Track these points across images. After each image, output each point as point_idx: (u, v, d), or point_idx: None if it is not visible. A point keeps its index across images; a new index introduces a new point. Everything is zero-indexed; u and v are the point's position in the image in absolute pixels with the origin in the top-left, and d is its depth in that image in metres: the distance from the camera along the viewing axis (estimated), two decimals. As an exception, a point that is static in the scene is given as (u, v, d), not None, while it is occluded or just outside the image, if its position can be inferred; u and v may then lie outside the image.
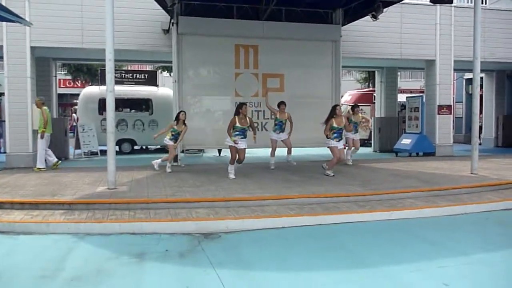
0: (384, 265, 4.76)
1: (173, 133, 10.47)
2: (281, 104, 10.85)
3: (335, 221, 6.48)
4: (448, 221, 6.75)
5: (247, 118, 9.47)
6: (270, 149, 11.17)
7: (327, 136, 9.70)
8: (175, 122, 10.47)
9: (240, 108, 9.31)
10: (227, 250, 5.29)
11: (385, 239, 5.78)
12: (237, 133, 9.28)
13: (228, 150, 9.66)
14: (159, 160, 10.79)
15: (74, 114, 20.69)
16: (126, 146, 16.60)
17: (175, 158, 11.43)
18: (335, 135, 9.63)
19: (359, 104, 12.28)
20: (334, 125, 9.56)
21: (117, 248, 5.33)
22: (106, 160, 8.16)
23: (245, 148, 9.45)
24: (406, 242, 5.65)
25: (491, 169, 10.73)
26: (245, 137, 9.41)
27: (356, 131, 11.74)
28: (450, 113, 14.96)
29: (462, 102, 22.81)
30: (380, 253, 5.17)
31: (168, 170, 10.52)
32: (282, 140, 10.97)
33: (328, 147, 9.91)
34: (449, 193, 8.11)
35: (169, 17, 11.85)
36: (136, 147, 17.19)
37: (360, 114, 11.90)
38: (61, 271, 4.55)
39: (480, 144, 14.56)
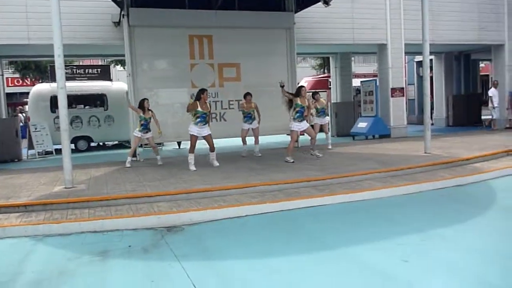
0: (346, 246, 4.91)
1: (142, 122, 10.31)
2: (247, 95, 10.97)
3: (296, 206, 6.59)
4: (405, 200, 7.02)
5: (207, 104, 9.49)
6: (241, 139, 11.32)
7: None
8: (141, 110, 10.29)
9: (202, 93, 9.32)
10: (191, 242, 5.29)
11: (346, 221, 5.95)
12: (198, 119, 9.24)
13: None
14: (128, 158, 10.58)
15: (20, 114, 19.89)
16: (82, 144, 16.14)
17: (134, 153, 11.23)
18: (298, 114, 9.75)
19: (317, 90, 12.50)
20: (298, 102, 9.70)
21: (78, 248, 5.21)
22: (61, 159, 7.91)
23: (210, 134, 9.43)
24: (366, 223, 5.84)
25: (443, 148, 11.19)
26: (206, 123, 9.38)
27: (325, 116, 11.98)
28: (403, 96, 15.45)
29: (414, 84, 23.55)
30: (341, 235, 5.33)
31: (128, 165, 10.33)
32: (252, 129, 11.16)
33: (290, 132, 10.10)
34: (404, 173, 8.41)
35: (119, 9, 11.56)
36: (92, 144, 16.74)
37: (322, 99, 12.08)
38: (20, 275, 4.42)
39: (432, 124, 15.13)
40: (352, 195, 6.99)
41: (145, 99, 10.48)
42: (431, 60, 20.20)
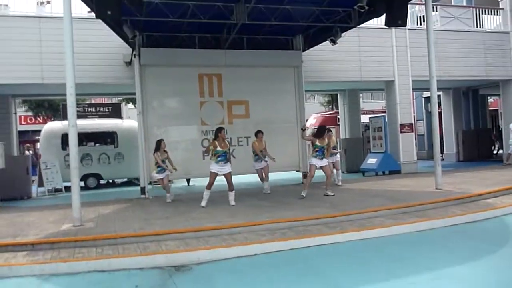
0: (358, 286, 4.78)
1: (157, 164, 10.40)
2: (259, 132, 11.01)
3: (306, 244, 6.48)
4: (417, 237, 6.87)
5: (226, 142, 9.58)
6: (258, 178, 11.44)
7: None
8: (157, 153, 10.35)
9: (219, 132, 9.41)
10: (199, 283, 5.19)
11: (357, 260, 5.82)
12: (219, 158, 9.28)
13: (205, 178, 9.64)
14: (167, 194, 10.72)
15: (27, 152, 20.08)
16: (91, 181, 16.17)
17: (143, 190, 11.26)
18: (318, 153, 9.91)
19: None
20: (317, 143, 9.87)
21: (84, 288, 5.14)
22: (71, 197, 7.92)
23: (230, 172, 9.43)
24: (377, 261, 5.70)
25: (454, 184, 11.04)
26: (227, 161, 9.41)
27: (336, 154, 12.09)
28: (412, 131, 15.42)
29: (423, 119, 23.55)
30: (352, 275, 5.20)
31: (168, 200, 10.60)
32: (261, 168, 11.20)
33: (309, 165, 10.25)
34: (416, 209, 8.28)
35: (130, 49, 11.85)
36: (102, 182, 16.78)
37: (333, 138, 12.16)
38: (24, 316, 4.35)
39: (442, 159, 15.01)
40: (363, 232, 6.87)
41: (161, 140, 10.56)
42: (439, 95, 20.29)
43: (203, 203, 9.32)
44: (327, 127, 10.47)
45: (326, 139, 10.22)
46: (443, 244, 6.51)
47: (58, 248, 6.48)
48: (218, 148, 9.29)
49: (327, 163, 10.23)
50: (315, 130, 11.35)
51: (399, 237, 6.84)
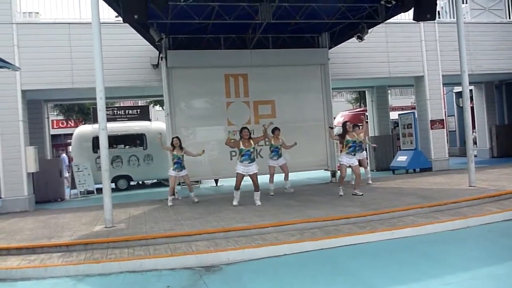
0: (390, 286, 4.67)
1: (174, 160, 10.41)
2: (276, 130, 10.96)
3: (336, 244, 6.40)
4: (450, 236, 6.68)
5: (251, 141, 9.56)
6: (268, 176, 11.13)
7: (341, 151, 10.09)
8: (172, 147, 10.45)
9: (241, 132, 9.54)
10: (230, 283, 5.19)
11: (389, 260, 5.70)
12: (243, 157, 9.34)
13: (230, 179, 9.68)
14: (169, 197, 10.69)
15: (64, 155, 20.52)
16: (122, 183, 16.49)
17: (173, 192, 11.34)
18: (350, 149, 9.82)
19: (364, 121, 12.14)
20: (349, 138, 9.80)
21: (117, 288, 5.22)
22: (102, 199, 8.08)
23: (256, 173, 9.45)
24: (410, 261, 5.57)
25: (489, 180, 10.71)
26: (252, 161, 9.43)
27: (362, 150, 11.76)
28: (443, 127, 15.04)
29: (454, 115, 22.99)
30: (384, 275, 5.09)
31: (170, 203, 10.45)
32: (280, 166, 11.03)
33: (339, 165, 10.10)
34: (449, 207, 8.06)
35: (157, 52, 12.00)
36: (132, 183, 17.08)
37: (362, 134, 11.85)
38: (60, 316, 4.44)
39: (475, 155, 14.59)
40: (394, 232, 6.72)
41: (174, 137, 10.65)
42: (470, 90, 19.70)
43: (234, 202, 9.48)
44: (348, 122, 10.25)
45: (355, 134, 10.06)
46: (478, 243, 6.32)
47: (91, 249, 6.61)
48: (242, 147, 9.35)
49: (357, 162, 10.08)
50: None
51: (432, 236, 6.67)
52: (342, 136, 10.01)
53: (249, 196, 9.79)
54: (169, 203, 10.46)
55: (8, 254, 6.63)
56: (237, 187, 9.52)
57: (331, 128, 10.18)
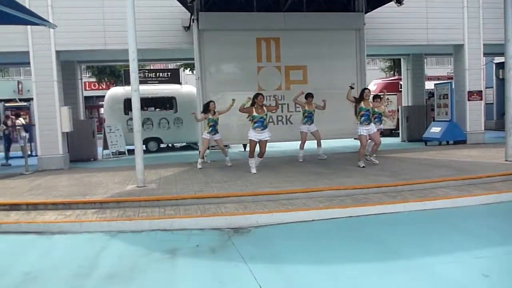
0: (419, 256, 4.63)
1: (210, 123, 10.49)
2: (309, 96, 10.85)
3: (365, 212, 6.36)
4: (483, 210, 6.54)
5: (264, 108, 9.46)
6: (300, 142, 11.10)
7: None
8: (206, 113, 10.49)
9: (256, 98, 9.37)
10: (258, 245, 5.25)
11: (419, 230, 5.64)
12: (256, 124, 9.27)
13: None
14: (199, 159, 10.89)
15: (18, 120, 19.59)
16: (152, 145, 16.76)
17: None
18: (363, 117, 9.56)
19: (384, 94, 11.81)
20: (363, 106, 9.56)
21: (149, 245, 5.36)
22: (133, 159, 8.25)
23: (266, 140, 9.42)
24: (441, 233, 5.49)
25: (526, 155, 10.34)
26: (265, 127, 9.37)
27: (380, 123, 11.39)
28: (481, 99, 14.49)
29: (492, 87, 22.13)
30: (414, 244, 5.04)
31: (199, 166, 10.62)
32: (311, 132, 10.95)
33: (358, 136, 9.83)
34: (482, 181, 7.86)
35: (189, 14, 11.86)
36: (162, 146, 17.34)
37: (383, 106, 11.45)
38: (95, 268, 4.61)
39: (513, 129, 14.06)
40: (425, 203, 6.62)
41: (210, 101, 10.66)
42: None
43: (253, 170, 9.40)
44: (366, 89, 9.94)
45: (371, 104, 9.80)
46: (511, 218, 6.16)
47: (124, 207, 6.80)
48: (255, 114, 9.26)
49: (375, 130, 9.81)
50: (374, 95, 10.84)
51: (464, 209, 6.54)
52: (357, 101, 9.70)
53: (278, 162, 9.78)
54: (199, 166, 10.61)
55: (46, 209, 6.90)
56: (251, 155, 9.48)
57: (352, 88, 9.84)
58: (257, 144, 9.49)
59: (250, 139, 9.40)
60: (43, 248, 5.47)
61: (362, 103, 9.61)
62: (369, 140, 10.26)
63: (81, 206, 6.91)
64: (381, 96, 10.77)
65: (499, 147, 10.90)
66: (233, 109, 12.17)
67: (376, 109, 10.77)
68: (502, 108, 20.90)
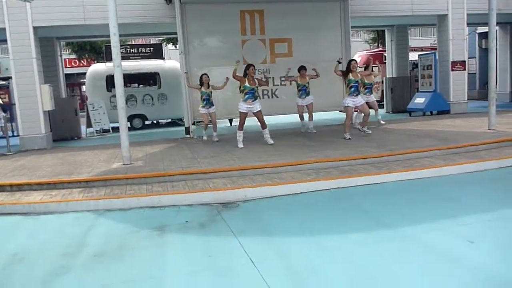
0: (405, 225, 4.70)
1: (203, 96, 10.48)
2: (301, 68, 10.83)
3: (352, 184, 6.43)
4: (468, 178, 6.65)
5: (256, 80, 9.37)
6: (298, 115, 11.27)
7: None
8: (200, 85, 10.49)
9: (247, 69, 9.26)
10: (247, 218, 5.28)
11: (405, 200, 5.72)
12: (247, 95, 9.18)
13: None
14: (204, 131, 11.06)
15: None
16: (137, 122, 16.55)
17: (188, 130, 11.44)
18: (352, 89, 9.55)
19: (371, 65, 11.83)
20: (351, 77, 9.51)
21: (137, 222, 5.35)
22: (118, 137, 8.14)
23: (260, 111, 9.33)
24: (426, 202, 5.58)
25: (509, 124, 10.51)
26: (255, 98, 9.29)
27: (371, 93, 11.46)
28: (464, 69, 14.56)
29: (475, 57, 22.25)
30: (400, 214, 5.12)
31: (205, 138, 10.88)
32: (306, 105, 10.99)
33: (344, 108, 9.83)
34: (467, 150, 7.97)
35: (171, -13, 11.56)
36: (147, 122, 17.16)
37: (372, 76, 11.53)
38: (84, 247, 4.59)
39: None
40: (411, 172, 6.71)
41: (204, 74, 10.59)
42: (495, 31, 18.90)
43: (240, 145, 9.33)
44: (353, 60, 9.90)
45: (359, 74, 9.77)
46: (495, 185, 6.28)
47: (110, 185, 6.74)
48: (246, 84, 9.15)
49: (363, 102, 9.80)
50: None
51: (449, 178, 6.65)
52: (345, 74, 9.66)
53: (261, 136, 9.75)
54: (204, 137, 10.88)
55: (30, 189, 6.80)
56: (241, 127, 9.40)
57: (339, 62, 9.82)
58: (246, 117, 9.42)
59: (241, 111, 9.30)
60: (29, 229, 5.41)
61: (350, 74, 9.55)
62: (356, 112, 10.30)
63: (66, 185, 6.83)
64: (373, 66, 10.71)
65: (482, 117, 11.05)
66: (218, 83, 12.06)
67: (366, 80, 10.83)
68: (484, 78, 21.11)
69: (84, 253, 4.40)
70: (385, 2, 13.36)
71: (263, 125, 9.48)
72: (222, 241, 4.55)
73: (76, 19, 11.69)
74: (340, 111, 13.38)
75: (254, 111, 9.28)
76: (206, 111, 10.60)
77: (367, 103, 10.50)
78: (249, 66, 9.33)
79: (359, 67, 12.42)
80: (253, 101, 9.22)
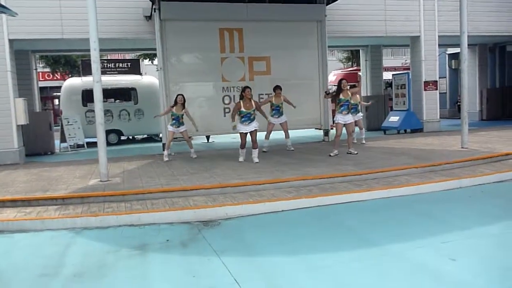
0: (389, 243, 4.75)
1: (173, 117, 10.32)
2: (277, 88, 10.84)
3: (333, 201, 6.47)
4: (445, 196, 6.80)
5: (252, 101, 9.39)
6: (265, 132, 11.08)
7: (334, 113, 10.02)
8: (173, 105, 10.30)
9: (243, 91, 9.31)
10: (228, 237, 5.23)
11: (386, 217, 5.79)
12: (243, 118, 9.21)
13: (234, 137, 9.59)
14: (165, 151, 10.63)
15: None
16: (112, 137, 16.28)
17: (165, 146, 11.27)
18: (342, 108, 9.70)
19: (359, 78, 12.06)
20: (342, 97, 9.67)
21: (116, 241, 5.23)
22: (93, 153, 8.04)
23: (256, 130, 9.34)
24: (407, 219, 5.67)
25: (480, 142, 10.84)
26: (251, 121, 9.30)
27: (358, 112, 11.62)
28: (436, 89, 15.03)
29: (445, 77, 22.96)
30: (383, 231, 5.17)
31: (166, 159, 10.38)
32: (280, 124, 11.01)
33: (334, 124, 10.04)
34: (442, 168, 8.16)
35: (150, 3, 11.56)
36: (122, 138, 16.92)
37: (358, 96, 11.69)
38: (62, 267, 4.45)
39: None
40: (390, 190, 6.81)
41: (178, 95, 10.42)
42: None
43: (240, 159, 9.53)
44: (344, 80, 10.06)
45: (349, 93, 9.88)
46: (472, 203, 6.43)
47: (88, 203, 6.59)
48: (242, 109, 9.19)
49: (352, 120, 10.04)
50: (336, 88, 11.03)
51: (427, 196, 6.78)
52: (336, 95, 9.82)
53: (246, 154, 9.76)
54: (165, 158, 10.40)
55: (3, 206, 6.58)
56: (242, 146, 9.52)
57: (327, 93, 10.06)
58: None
59: (240, 132, 9.38)
60: (3, 248, 5.21)
61: (341, 94, 9.70)
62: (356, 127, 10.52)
63: (42, 202, 6.64)
64: (355, 84, 10.91)
65: (455, 135, 11.37)
66: (196, 100, 12.08)
67: (352, 101, 10.99)
68: (455, 97, 21.77)
69: (63, 274, 4.27)
70: (360, 23, 13.73)
71: (254, 145, 9.44)
72: (205, 260, 4.48)
73: (53, 32, 11.56)
74: (316, 128, 13.57)
75: (251, 130, 9.31)
76: (174, 130, 10.37)
77: (356, 121, 10.93)
78: (245, 88, 9.39)
79: (334, 85, 12.64)
80: (249, 123, 9.26)
